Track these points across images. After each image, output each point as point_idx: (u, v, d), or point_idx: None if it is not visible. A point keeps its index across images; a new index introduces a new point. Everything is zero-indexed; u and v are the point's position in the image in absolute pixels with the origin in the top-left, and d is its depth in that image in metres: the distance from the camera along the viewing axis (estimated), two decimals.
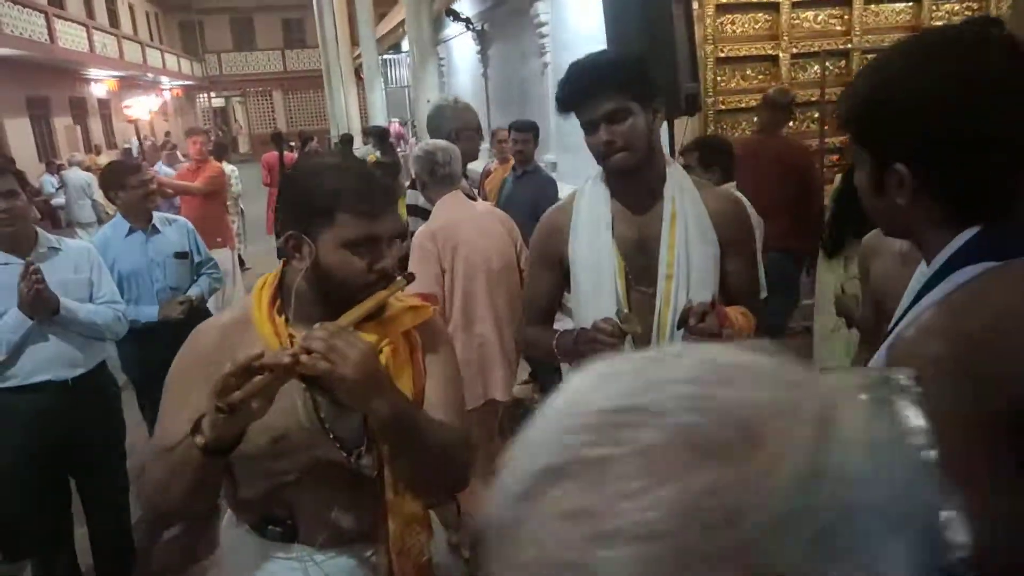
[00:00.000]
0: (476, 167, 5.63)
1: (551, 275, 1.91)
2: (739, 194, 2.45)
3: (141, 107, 15.08)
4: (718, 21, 4.90)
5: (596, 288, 1.78)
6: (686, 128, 4.20)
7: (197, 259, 3.50)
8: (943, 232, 0.91)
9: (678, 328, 1.59)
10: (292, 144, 10.59)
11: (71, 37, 17.38)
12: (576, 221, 1.83)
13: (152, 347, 2.89)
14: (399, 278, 1.33)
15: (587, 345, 1.65)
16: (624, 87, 1.66)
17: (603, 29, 3.64)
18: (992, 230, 0.89)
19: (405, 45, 16.61)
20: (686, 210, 1.76)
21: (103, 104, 21.32)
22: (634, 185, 1.78)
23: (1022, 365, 0.80)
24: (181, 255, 3.40)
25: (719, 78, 5.00)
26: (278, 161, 8.39)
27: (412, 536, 1.34)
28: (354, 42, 16.57)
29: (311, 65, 29.40)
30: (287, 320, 1.31)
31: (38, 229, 2.60)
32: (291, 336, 1.28)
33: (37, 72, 16.36)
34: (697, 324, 1.54)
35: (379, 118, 12.49)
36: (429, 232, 2.69)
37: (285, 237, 1.29)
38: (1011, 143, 0.87)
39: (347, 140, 10.00)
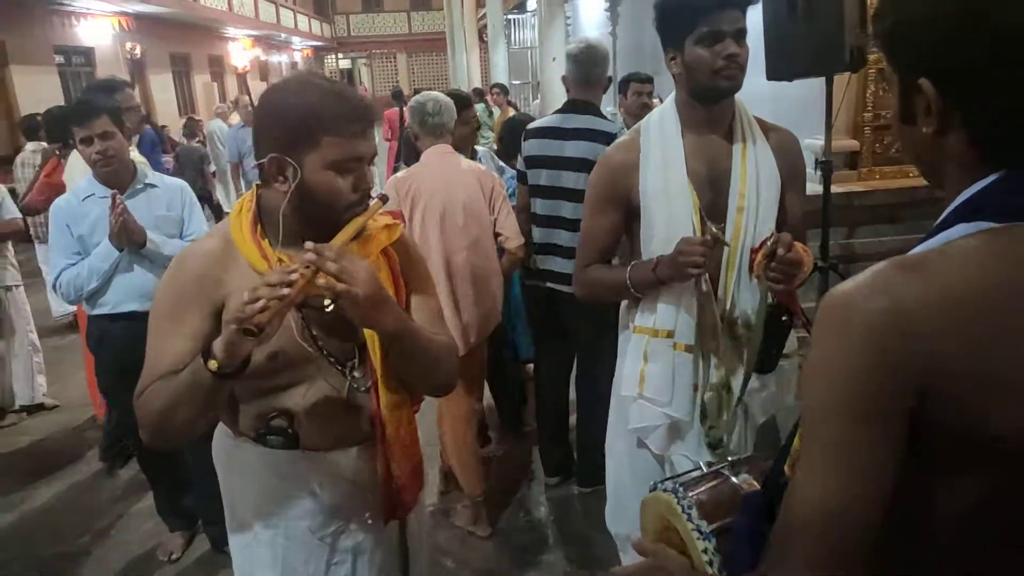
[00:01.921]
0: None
1: (615, 215, 1.86)
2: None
3: (240, 57, 15.89)
4: None
5: (671, 225, 1.74)
6: (846, 86, 3.73)
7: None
8: (965, 175, 0.77)
9: (768, 259, 1.60)
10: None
11: None
12: (647, 157, 1.79)
13: None
14: (375, 200, 1.35)
15: (674, 268, 1.66)
16: (747, 7, 1.67)
17: None
18: (1013, 179, 0.74)
19: (531, 4, 16.36)
20: (755, 143, 1.76)
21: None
22: (716, 115, 1.76)
23: (938, 359, 0.70)
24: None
25: None
26: (398, 117, 8.41)
27: (406, 437, 1.43)
28: (479, 3, 16.39)
29: (435, 27, 29.54)
30: (271, 244, 1.32)
31: (138, 165, 2.73)
32: (280, 260, 1.29)
33: (179, 30, 17.13)
34: (785, 254, 1.57)
35: (502, 79, 12.28)
36: (397, 180, 2.77)
37: (268, 160, 1.28)
38: None
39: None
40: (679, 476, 1.10)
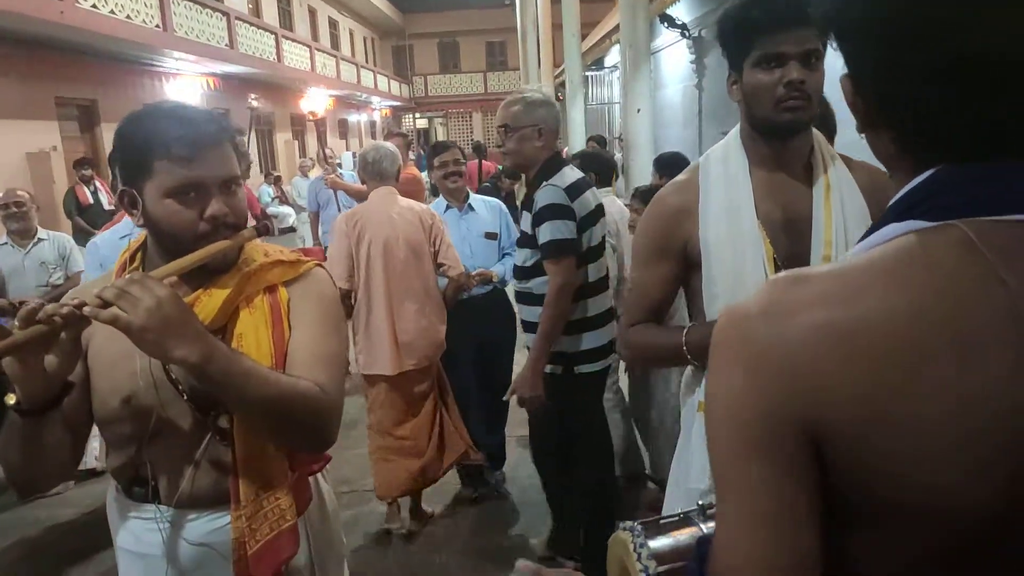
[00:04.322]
0: None
1: (669, 265, 1.61)
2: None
3: (316, 102, 16.50)
4: None
5: (739, 278, 1.49)
6: None
7: (505, 242, 3.63)
8: (905, 175, 0.68)
9: None
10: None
11: (296, 56, 18.66)
12: (707, 198, 1.54)
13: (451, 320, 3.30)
14: (247, 230, 1.27)
15: None
16: (826, 27, 1.15)
17: None
18: (952, 173, 0.64)
19: (608, 60, 16.33)
20: (839, 182, 1.50)
21: (319, 121, 22.82)
22: (788, 151, 1.51)
23: (826, 400, 0.61)
24: (491, 235, 3.59)
25: None
26: (477, 169, 8.55)
27: (269, 501, 1.28)
28: (555, 63, 16.43)
29: (510, 87, 30.01)
30: None
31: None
32: None
33: (263, 89, 17.70)
34: None
35: (578, 135, 12.06)
36: (346, 215, 3.25)
37: (119, 194, 1.26)
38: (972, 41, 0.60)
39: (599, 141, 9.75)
40: (649, 520, 1.05)
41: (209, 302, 1.25)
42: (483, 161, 9.03)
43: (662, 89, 10.67)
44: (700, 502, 1.16)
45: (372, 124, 30.39)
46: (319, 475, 1.50)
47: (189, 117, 1.23)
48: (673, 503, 1.67)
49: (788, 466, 0.63)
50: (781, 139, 1.49)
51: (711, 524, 1.03)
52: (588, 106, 15.30)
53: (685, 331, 1.53)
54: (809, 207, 1.49)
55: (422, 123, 34.68)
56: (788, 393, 0.62)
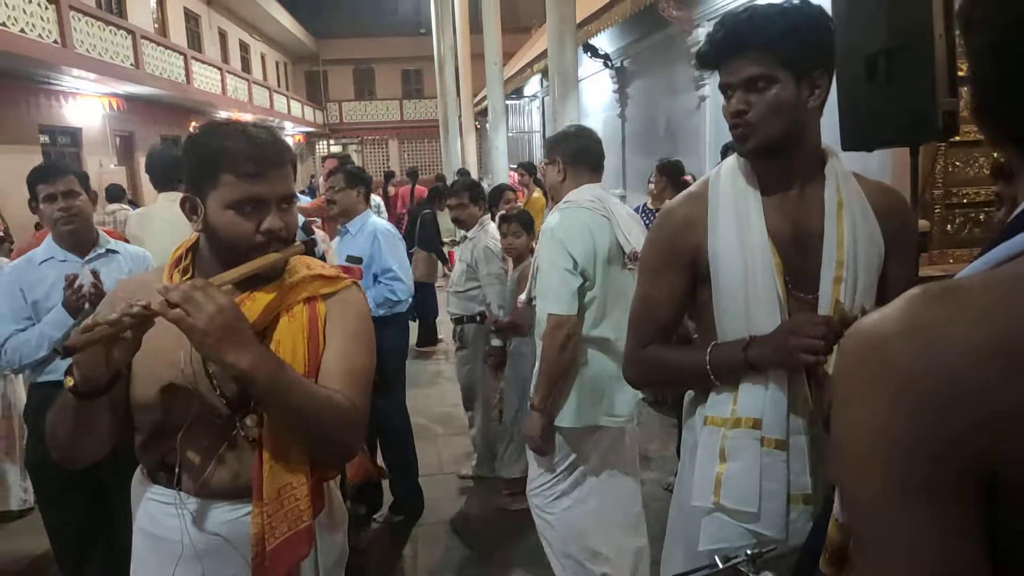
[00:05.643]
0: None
1: (678, 277, 1.56)
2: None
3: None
4: None
5: (748, 294, 1.45)
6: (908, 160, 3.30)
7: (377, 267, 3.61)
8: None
9: None
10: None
11: (205, 79, 18.00)
12: (716, 211, 1.51)
13: None
14: (298, 243, 1.37)
15: (781, 352, 1.37)
16: (774, 48, 1.39)
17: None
18: None
19: (527, 89, 16.43)
20: (851, 200, 1.48)
21: None
22: (778, 170, 1.49)
23: (1000, 422, 0.52)
24: (353, 259, 3.55)
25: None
26: (410, 192, 9.61)
27: (290, 501, 1.34)
28: (474, 91, 16.44)
29: (426, 115, 29.91)
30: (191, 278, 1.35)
31: (99, 231, 2.67)
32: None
33: (171, 112, 16.97)
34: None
35: (501, 162, 12.03)
36: None
37: (181, 200, 1.35)
38: None
39: (463, 173, 10.33)
40: (692, 571, 0.99)
41: (253, 306, 1.33)
42: (416, 186, 9.75)
43: (585, 118, 10.78)
44: (748, 551, 1.09)
45: None
46: (331, 483, 1.55)
47: (258, 136, 1.32)
48: (676, 521, 1.68)
49: (955, 506, 0.55)
50: (757, 160, 1.50)
51: (765, 574, 0.99)
52: (508, 135, 15.36)
53: (708, 349, 1.49)
54: (820, 224, 1.47)
55: (336, 149, 34.09)
56: (949, 423, 0.54)
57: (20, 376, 3.77)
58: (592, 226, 2.42)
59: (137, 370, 1.35)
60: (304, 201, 6.38)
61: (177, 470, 1.36)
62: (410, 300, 3.63)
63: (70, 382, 1.22)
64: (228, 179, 1.27)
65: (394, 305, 3.52)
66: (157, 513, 1.41)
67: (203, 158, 1.30)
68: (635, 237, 2.45)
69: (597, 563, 2.57)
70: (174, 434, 1.35)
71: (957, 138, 3.94)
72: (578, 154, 2.59)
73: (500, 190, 5.44)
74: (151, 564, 1.43)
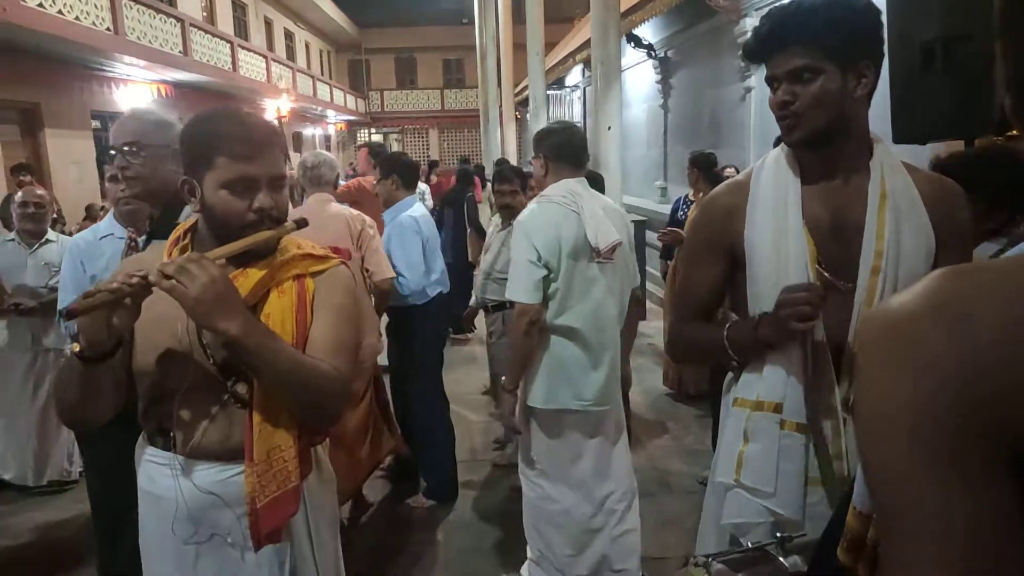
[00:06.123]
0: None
1: (717, 264, 1.62)
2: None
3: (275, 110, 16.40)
4: None
5: (780, 280, 1.48)
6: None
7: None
8: None
9: None
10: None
11: (251, 67, 18.26)
12: (755, 199, 1.55)
13: None
14: (289, 223, 1.46)
15: (775, 324, 1.43)
16: (818, 40, 1.41)
17: None
18: None
19: (569, 79, 16.36)
20: (896, 192, 1.48)
21: None
22: (823, 161, 1.51)
23: None
24: None
25: None
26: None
27: (279, 462, 1.42)
28: (515, 80, 16.40)
29: (467, 104, 29.96)
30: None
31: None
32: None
33: (216, 98, 17.27)
34: None
35: None
36: None
37: (181, 182, 1.44)
38: None
39: (502, 162, 9.92)
40: (721, 553, 1.01)
41: (245, 282, 1.41)
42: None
43: (627, 108, 10.68)
44: (779, 534, 1.10)
45: (327, 138, 29.95)
46: (318, 447, 1.63)
47: (248, 121, 1.42)
48: (711, 496, 1.73)
49: (986, 482, 0.53)
50: (804, 151, 1.52)
51: (793, 558, 0.99)
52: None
53: (727, 327, 1.55)
54: (862, 215, 1.48)
55: (377, 138, 34.34)
56: (974, 396, 0.52)
57: None
58: (559, 220, 2.54)
59: (138, 338, 1.45)
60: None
61: (172, 433, 1.47)
62: (419, 291, 3.61)
63: (76, 347, 1.30)
64: (222, 161, 1.36)
65: (402, 299, 3.55)
66: (154, 473, 1.51)
67: (200, 142, 1.39)
68: (604, 232, 2.55)
69: (561, 547, 2.76)
70: (171, 399, 1.45)
71: (1013, 132, 3.84)
72: (560, 149, 2.69)
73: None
74: (152, 520, 1.54)
